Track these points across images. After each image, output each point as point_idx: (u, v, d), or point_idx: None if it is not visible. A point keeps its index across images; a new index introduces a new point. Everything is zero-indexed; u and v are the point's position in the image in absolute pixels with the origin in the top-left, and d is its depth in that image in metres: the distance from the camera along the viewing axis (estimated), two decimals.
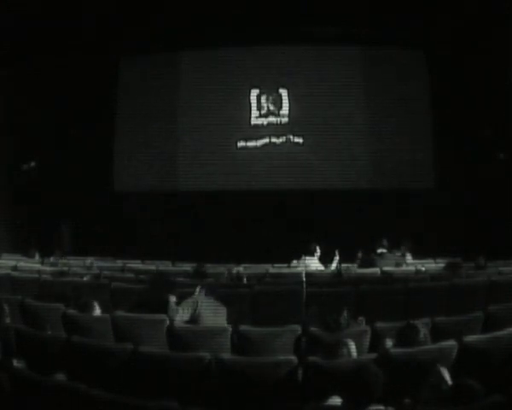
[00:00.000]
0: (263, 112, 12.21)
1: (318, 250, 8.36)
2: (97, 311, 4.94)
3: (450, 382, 3.11)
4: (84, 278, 6.90)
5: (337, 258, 8.38)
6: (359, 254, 8.69)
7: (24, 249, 9.85)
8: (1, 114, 10.70)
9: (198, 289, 5.26)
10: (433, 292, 6.04)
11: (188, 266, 7.86)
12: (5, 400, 3.05)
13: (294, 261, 8.42)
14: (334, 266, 8.30)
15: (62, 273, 7.17)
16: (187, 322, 4.91)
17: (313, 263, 8.21)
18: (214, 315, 5.05)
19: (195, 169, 12.17)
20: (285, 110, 12.17)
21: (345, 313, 4.32)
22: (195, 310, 4.96)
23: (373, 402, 2.83)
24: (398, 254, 9.17)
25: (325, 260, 8.47)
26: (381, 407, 2.87)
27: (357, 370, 2.96)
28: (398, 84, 11.78)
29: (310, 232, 9.95)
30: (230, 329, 4.51)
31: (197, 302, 5.00)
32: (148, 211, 11.75)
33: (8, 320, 4.45)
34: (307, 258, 8.27)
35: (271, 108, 12.20)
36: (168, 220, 11.57)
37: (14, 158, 11.32)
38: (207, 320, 4.95)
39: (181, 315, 4.89)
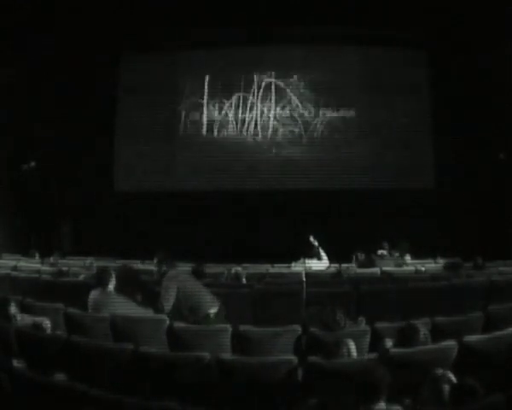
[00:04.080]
0: (264, 111, 12.23)
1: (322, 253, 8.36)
2: (113, 282, 5.01)
3: (455, 381, 3.11)
4: (80, 277, 6.88)
5: (316, 243, 8.31)
6: (359, 255, 8.69)
7: (24, 249, 9.85)
8: (1, 114, 10.70)
9: (156, 261, 5.40)
10: (433, 292, 6.04)
11: (187, 266, 7.85)
12: (5, 400, 3.05)
13: (293, 264, 8.42)
14: (322, 252, 8.25)
15: (62, 273, 7.16)
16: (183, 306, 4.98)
17: (313, 264, 8.21)
18: (196, 285, 5.25)
19: (195, 169, 12.17)
20: (285, 110, 12.19)
21: (340, 313, 4.32)
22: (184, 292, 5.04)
23: (379, 401, 2.85)
24: (397, 254, 9.18)
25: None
26: (382, 405, 2.89)
27: (364, 370, 2.97)
28: (399, 83, 11.78)
29: (309, 232, 9.95)
30: (230, 329, 4.51)
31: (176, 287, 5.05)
32: (148, 211, 11.75)
33: (18, 318, 4.46)
34: (307, 260, 8.27)
35: (273, 107, 12.22)
36: (168, 220, 11.57)
37: (14, 158, 11.32)
38: (194, 293, 5.09)
39: (168, 305, 4.94)
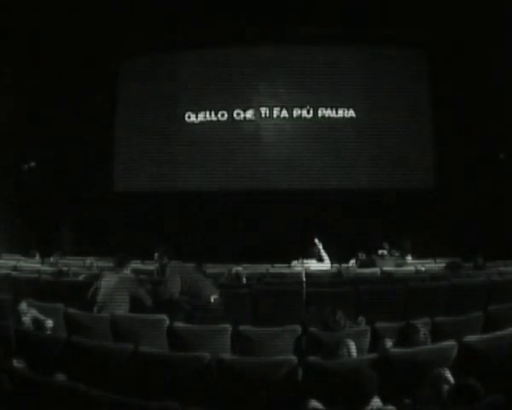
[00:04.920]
0: (264, 111, 12.23)
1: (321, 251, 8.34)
2: (130, 268, 5.55)
3: (452, 381, 3.11)
4: (81, 277, 6.87)
5: (320, 245, 8.32)
6: (360, 255, 8.69)
7: (24, 249, 9.85)
8: (1, 115, 10.70)
9: (156, 255, 5.67)
10: (433, 292, 6.04)
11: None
12: (5, 400, 3.05)
13: (294, 262, 8.41)
14: (323, 253, 8.24)
15: (62, 273, 7.16)
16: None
17: (312, 264, 8.19)
18: (197, 274, 5.63)
19: (195, 169, 12.18)
20: (285, 110, 12.19)
21: (340, 313, 4.33)
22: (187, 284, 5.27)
23: (368, 403, 2.86)
24: (397, 254, 9.17)
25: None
26: (378, 401, 2.90)
27: (350, 373, 2.99)
28: (399, 83, 11.79)
29: (309, 232, 9.96)
30: (230, 329, 4.51)
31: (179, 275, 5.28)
32: (148, 211, 11.75)
33: (27, 318, 4.50)
34: (305, 260, 8.25)
35: (273, 107, 12.22)
36: (168, 220, 11.58)
37: (14, 158, 11.32)
38: (195, 280, 5.39)
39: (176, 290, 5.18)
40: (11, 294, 5.47)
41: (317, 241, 8.34)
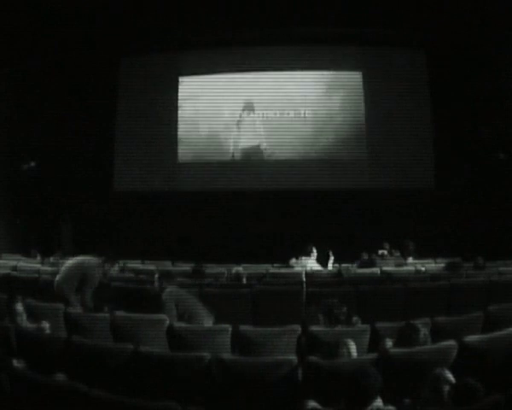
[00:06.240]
0: (264, 111, 12.23)
1: (315, 251, 8.35)
2: (115, 268, 6.12)
3: (452, 381, 3.11)
4: None
5: (332, 258, 8.38)
6: (363, 255, 8.69)
7: (24, 249, 9.85)
8: (1, 114, 10.71)
9: (156, 277, 5.82)
10: (433, 292, 6.04)
11: (187, 266, 7.85)
12: (5, 400, 3.05)
13: (293, 260, 8.42)
14: (330, 265, 8.29)
15: None
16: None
17: (310, 263, 8.19)
18: (192, 300, 5.43)
19: (195, 169, 12.18)
20: (285, 110, 12.20)
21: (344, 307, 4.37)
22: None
23: (370, 403, 2.85)
24: (398, 254, 9.16)
25: (322, 260, 8.45)
26: (380, 403, 2.89)
27: (355, 372, 2.98)
28: (398, 83, 11.78)
29: (309, 232, 9.97)
30: (230, 329, 4.51)
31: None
32: (148, 211, 11.75)
33: (23, 318, 4.51)
34: (303, 258, 8.26)
35: (272, 107, 12.22)
36: (168, 220, 11.58)
37: (14, 158, 11.33)
38: (190, 307, 5.27)
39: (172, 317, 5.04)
40: (7, 294, 5.45)
41: (330, 253, 8.39)
